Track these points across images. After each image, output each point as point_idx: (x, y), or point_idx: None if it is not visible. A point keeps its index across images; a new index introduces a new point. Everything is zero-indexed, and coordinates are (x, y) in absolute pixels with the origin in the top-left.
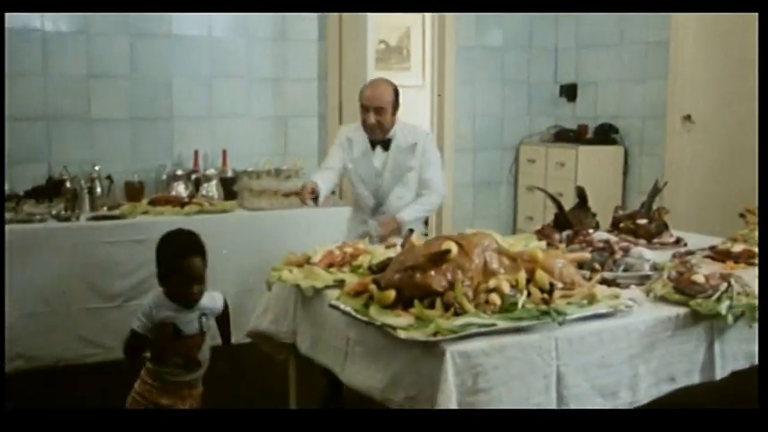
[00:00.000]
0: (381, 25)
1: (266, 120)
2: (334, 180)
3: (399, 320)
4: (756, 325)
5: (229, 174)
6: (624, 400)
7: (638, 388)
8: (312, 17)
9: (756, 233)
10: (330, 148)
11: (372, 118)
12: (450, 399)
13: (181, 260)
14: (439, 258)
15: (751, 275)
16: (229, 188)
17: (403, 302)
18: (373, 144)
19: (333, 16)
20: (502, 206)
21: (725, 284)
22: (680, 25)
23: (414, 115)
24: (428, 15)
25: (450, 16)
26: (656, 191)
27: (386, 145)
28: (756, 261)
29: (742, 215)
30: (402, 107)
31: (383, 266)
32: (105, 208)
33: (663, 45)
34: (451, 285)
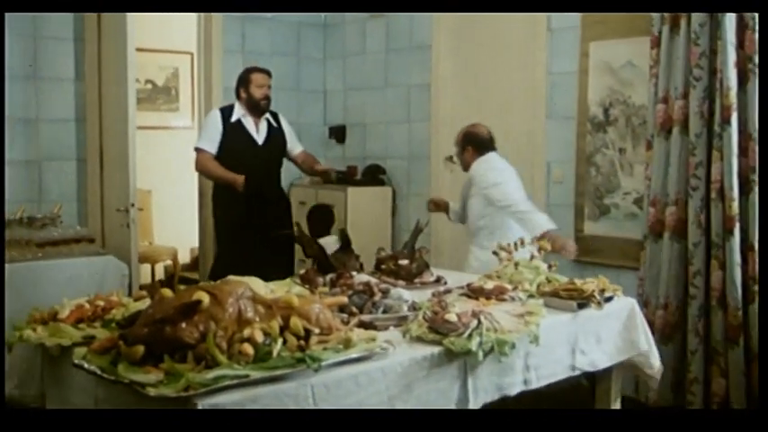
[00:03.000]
0: (147, 64)
1: (17, 164)
2: None
3: (149, 377)
4: (506, 359)
5: None
6: None
7: None
8: (67, 53)
9: (508, 268)
10: None
11: None
12: None
13: None
14: (190, 310)
15: (502, 311)
16: None
17: (153, 358)
18: None
19: (90, 52)
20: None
21: (475, 322)
22: (439, 69)
23: (183, 157)
24: (196, 57)
25: (216, 57)
26: (417, 231)
27: None
28: (507, 296)
29: (495, 252)
30: (171, 149)
31: (132, 320)
32: None
33: (425, 88)
34: (204, 337)
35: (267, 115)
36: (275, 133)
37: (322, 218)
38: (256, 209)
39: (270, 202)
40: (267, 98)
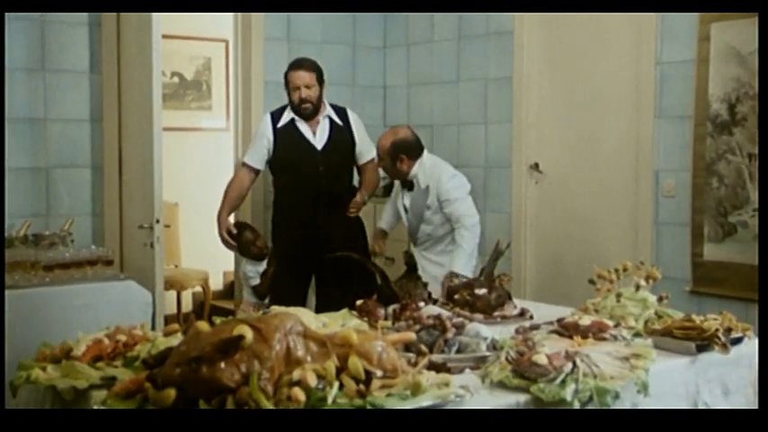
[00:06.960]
0: (174, 54)
1: (21, 172)
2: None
3: None
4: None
5: None
6: None
7: None
8: (81, 40)
9: (609, 300)
10: None
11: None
12: None
13: None
14: (230, 347)
15: (602, 353)
16: None
17: (187, 403)
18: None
19: (108, 40)
20: None
21: (570, 365)
22: (523, 59)
23: (216, 164)
24: (232, 45)
25: (257, 46)
26: (497, 254)
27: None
28: (607, 335)
29: (592, 281)
30: (202, 155)
31: (161, 359)
32: None
33: (506, 82)
34: (246, 379)
35: (328, 112)
36: (340, 134)
37: None
38: (320, 227)
39: (337, 219)
40: (307, 101)
